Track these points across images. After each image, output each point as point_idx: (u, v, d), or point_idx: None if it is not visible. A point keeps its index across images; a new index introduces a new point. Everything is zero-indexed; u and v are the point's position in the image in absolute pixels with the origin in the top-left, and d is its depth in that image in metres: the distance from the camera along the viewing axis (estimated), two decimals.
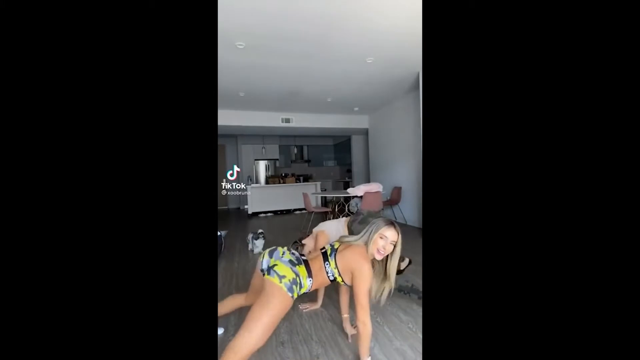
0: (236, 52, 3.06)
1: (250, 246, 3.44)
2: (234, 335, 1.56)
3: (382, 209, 4.41)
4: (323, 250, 1.37)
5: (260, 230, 3.47)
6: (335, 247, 1.35)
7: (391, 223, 1.33)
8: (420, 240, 3.50)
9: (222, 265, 2.87)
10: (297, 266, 1.27)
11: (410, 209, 4.94)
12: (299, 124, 6.22)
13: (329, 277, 1.31)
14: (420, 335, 1.51)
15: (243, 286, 2.30)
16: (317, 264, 1.32)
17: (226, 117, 5.61)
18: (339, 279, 1.30)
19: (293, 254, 1.34)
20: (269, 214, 6.69)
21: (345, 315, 1.59)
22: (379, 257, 1.29)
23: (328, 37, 2.83)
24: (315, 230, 2.00)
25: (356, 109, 5.97)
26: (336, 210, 4.83)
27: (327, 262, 1.32)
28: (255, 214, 6.58)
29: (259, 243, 3.33)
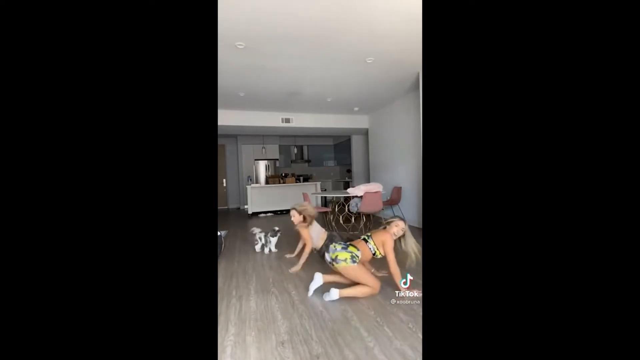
0: (236, 52, 3.06)
1: (257, 247, 3.37)
2: (233, 335, 1.57)
3: (382, 209, 4.40)
4: (363, 237, 2.18)
5: (276, 228, 3.43)
6: (369, 234, 2.15)
7: (401, 219, 2.15)
8: (420, 240, 3.49)
9: (222, 265, 2.87)
10: (350, 247, 2.08)
11: (410, 209, 4.93)
12: (299, 124, 6.21)
13: (371, 251, 2.08)
14: (420, 335, 1.51)
15: (243, 286, 2.30)
16: (360, 244, 2.11)
17: (226, 117, 5.60)
18: (377, 252, 2.08)
19: (340, 243, 2.16)
20: (269, 214, 6.69)
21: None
22: (393, 238, 2.08)
23: (328, 37, 2.83)
24: (298, 206, 2.85)
25: (356, 109, 5.96)
26: (336, 210, 4.82)
27: (368, 243, 2.10)
28: (255, 214, 6.58)
29: (274, 240, 3.37)
